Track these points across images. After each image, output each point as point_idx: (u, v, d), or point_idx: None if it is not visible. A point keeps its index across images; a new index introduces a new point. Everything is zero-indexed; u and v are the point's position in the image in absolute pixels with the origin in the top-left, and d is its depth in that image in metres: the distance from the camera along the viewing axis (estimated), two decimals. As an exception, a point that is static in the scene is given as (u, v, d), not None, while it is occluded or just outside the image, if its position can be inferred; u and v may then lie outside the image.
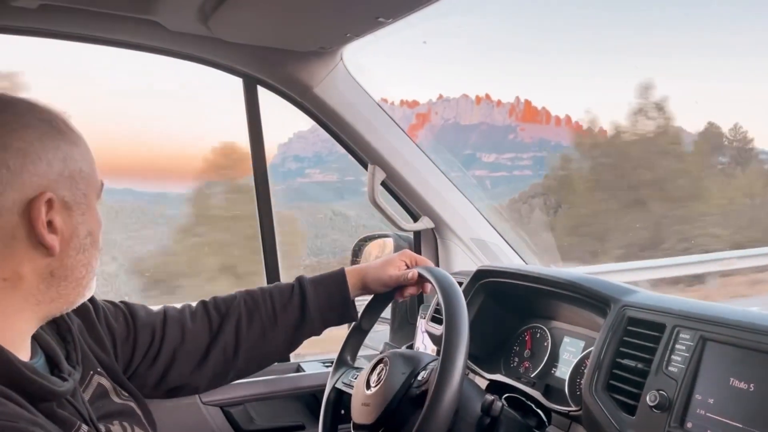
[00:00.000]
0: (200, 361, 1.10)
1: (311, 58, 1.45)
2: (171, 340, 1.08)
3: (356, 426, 1.09)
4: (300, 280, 1.20)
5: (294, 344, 1.21)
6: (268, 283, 1.60)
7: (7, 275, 0.73)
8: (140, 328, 1.06)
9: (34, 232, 0.73)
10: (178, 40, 1.36)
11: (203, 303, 1.15)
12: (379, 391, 1.09)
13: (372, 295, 1.27)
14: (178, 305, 1.15)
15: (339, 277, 1.21)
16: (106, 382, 0.92)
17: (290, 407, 1.53)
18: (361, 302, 1.27)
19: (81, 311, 0.96)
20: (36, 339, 0.81)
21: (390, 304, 1.65)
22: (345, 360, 1.24)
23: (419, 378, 1.08)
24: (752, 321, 0.90)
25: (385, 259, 1.24)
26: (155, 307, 1.11)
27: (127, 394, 0.94)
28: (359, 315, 1.25)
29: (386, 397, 1.07)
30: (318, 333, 1.21)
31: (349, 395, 1.19)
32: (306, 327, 1.18)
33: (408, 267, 1.22)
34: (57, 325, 0.87)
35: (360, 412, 1.09)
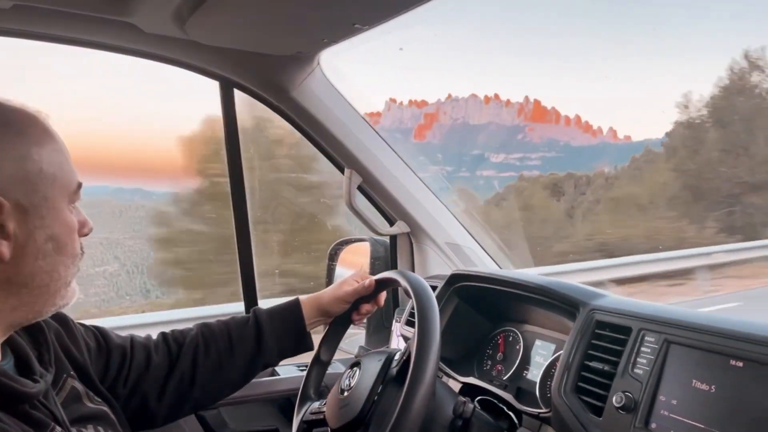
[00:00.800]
0: (160, 391, 1.10)
1: (288, 62, 1.45)
2: (137, 366, 1.08)
3: (338, 429, 1.09)
4: (255, 311, 1.23)
5: (250, 375, 1.22)
6: (243, 286, 1.60)
7: None
8: (113, 348, 1.06)
9: None
10: (155, 43, 1.35)
11: (163, 334, 1.17)
12: (357, 385, 1.10)
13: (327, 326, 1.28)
14: (142, 335, 1.15)
15: (294, 307, 1.24)
16: (79, 386, 0.91)
17: (265, 411, 1.53)
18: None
19: (59, 319, 0.96)
20: (6, 341, 0.80)
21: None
22: (308, 395, 1.23)
23: (395, 359, 1.10)
24: (714, 324, 0.92)
25: (337, 282, 1.27)
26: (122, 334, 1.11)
27: (99, 399, 0.94)
28: (317, 346, 1.26)
29: (366, 386, 1.08)
30: (275, 363, 1.23)
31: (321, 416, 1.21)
32: (262, 358, 1.19)
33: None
34: (30, 327, 0.85)
35: (339, 416, 1.09)
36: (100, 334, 1.05)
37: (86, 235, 0.85)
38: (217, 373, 1.15)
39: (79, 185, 0.82)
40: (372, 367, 1.12)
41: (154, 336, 1.16)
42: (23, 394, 0.73)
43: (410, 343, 1.05)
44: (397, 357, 1.12)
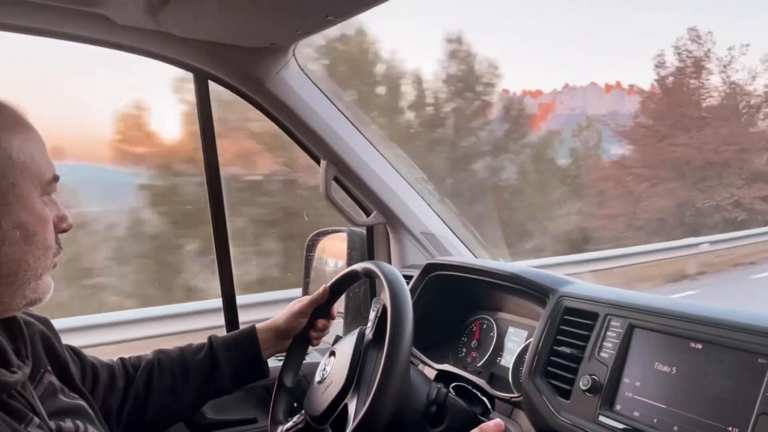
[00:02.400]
0: (118, 412, 1.12)
1: (263, 53, 1.45)
2: (103, 384, 1.10)
3: (322, 413, 1.11)
4: (211, 339, 1.24)
5: (203, 400, 1.24)
6: (222, 283, 1.61)
7: None
8: (86, 363, 1.08)
9: None
10: (127, 34, 1.34)
11: (121, 359, 1.19)
12: (335, 366, 1.13)
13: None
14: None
15: (250, 334, 1.26)
16: (56, 381, 0.92)
17: (242, 401, 1.54)
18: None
19: (44, 322, 0.97)
20: None
21: (343, 298, 1.69)
22: (278, 420, 1.25)
23: (368, 324, 1.15)
24: (674, 309, 0.96)
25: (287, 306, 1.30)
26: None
27: (75, 395, 0.95)
28: (280, 371, 1.28)
29: (344, 361, 1.11)
30: (230, 391, 1.24)
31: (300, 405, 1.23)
32: (215, 384, 1.21)
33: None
34: (7, 322, 0.85)
35: (323, 399, 1.11)
36: (72, 350, 1.06)
37: (65, 230, 0.85)
38: (171, 398, 1.17)
39: (55, 177, 0.82)
40: (347, 344, 1.15)
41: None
42: (2, 383, 0.73)
43: (380, 300, 1.09)
44: (370, 323, 1.15)
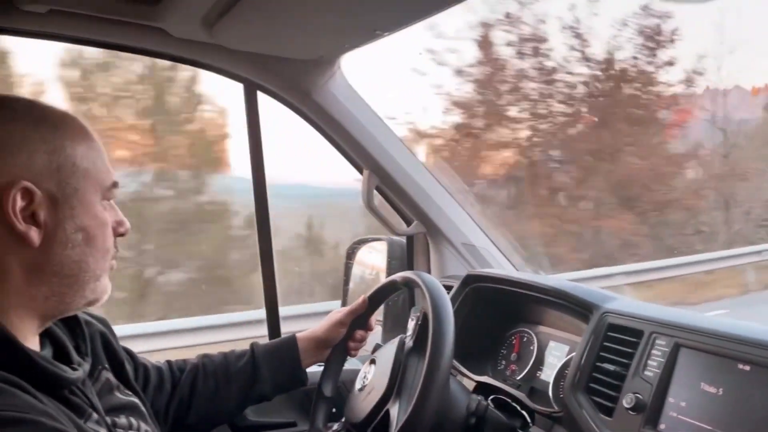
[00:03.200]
0: (165, 412, 1.16)
1: (310, 66, 1.49)
2: (153, 386, 1.15)
3: (363, 420, 1.13)
4: (253, 346, 1.28)
5: (244, 405, 1.28)
6: (265, 294, 1.65)
7: None
8: (138, 365, 1.14)
9: (7, 220, 0.74)
10: (182, 47, 1.39)
11: (168, 361, 1.23)
12: (376, 374, 1.15)
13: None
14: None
15: (290, 343, 1.29)
16: (112, 379, 0.96)
17: (283, 405, 1.56)
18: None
19: (104, 323, 1.02)
20: (45, 332, 0.84)
21: (382, 307, 1.71)
22: (318, 429, 1.27)
23: (408, 332, 1.18)
24: (722, 329, 0.95)
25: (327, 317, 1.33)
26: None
27: (130, 392, 0.99)
28: (319, 381, 1.30)
29: (386, 368, 1.13)
30: (269, 397, 1.28)
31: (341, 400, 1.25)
32: (256, 390, 1.25)
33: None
34: (68, 321, 0.90)
35: (364, 406, 1.14)
36: (126, 350, 1.11)
37: (122, 234, 0.88)
38: (213, 401, 1.21)
39: (114, 184, 0.86)
40: (387, 352, 1.17)
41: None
42: (64, 379, 0.77)
43: (419, 309, 1.10)
44: (410, 331, 1.17)
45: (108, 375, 0.95)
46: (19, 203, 0.74)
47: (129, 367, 1.05)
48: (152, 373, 1.16)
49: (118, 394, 0.94)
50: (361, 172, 1.70)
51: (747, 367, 0.89)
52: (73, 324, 0.91)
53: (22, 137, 0.76)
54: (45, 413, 0.68)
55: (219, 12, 1.20)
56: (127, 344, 1.11)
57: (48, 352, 0.83)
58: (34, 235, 0.76)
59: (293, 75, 1.51)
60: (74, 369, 0.82)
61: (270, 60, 1.46)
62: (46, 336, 0.85)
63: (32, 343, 0.80)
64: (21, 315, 0.77)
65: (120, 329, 1.10)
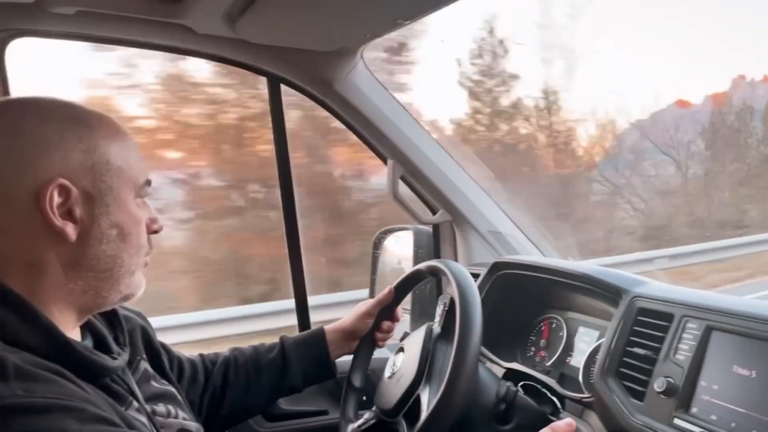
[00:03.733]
0: (199, 404, 1.19)
1: (332, 57, 1.50)
2: (187, 379, 1.18)
3: (394, 406, 1.14)
4: (282, 339, 1.30)
5: (275, 397, 1.31)
6: (294, 283, 1.67)
7: (34, 260, 0.77)
8: (173, 358, 1.16)
9: (45, 216, 0.76)
10: (206, 43, 1.41)
11: (200, 354, 1.25)
12: (405, 361, 1.16)
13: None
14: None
15: (318, 335, 1.31)
16: (149, 368, 0.99)
17: (314, 394, 1.59)
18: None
19: (141, 316, 1.06)
20: (85, 324, 0.87)
21: (410, 296, 1.71)
22: (348, 418, 1.28)
23: (436, 319, 1.18)
24: (754, 311, 0.93)
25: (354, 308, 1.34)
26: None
27: (166, 381, 1.02)
28: (348, 372, 1.32)
29: (414, 355, 1.15)
30: (300, 389, 1.30)
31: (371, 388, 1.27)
32: (287, 382, 1.27)
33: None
34: (107, 314, 0.92)
35: (394, 393, 1.15)
36: (162, 344, 1.13)
37: (156, 232, 0.90)
38: (245, 393, 1.23)
39: (148, 182, 0.88)
40: (415, 339, 1.18)
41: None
42: (105, 367, 0.79)
43: (447, 295, 1.11)
44: (437, 317, 1.18)
45: (145, 365, 0.98)
46: (56, 200, 0.76)
47: (165, 359, 1.08)
48: (186, 365, 1.19)
49: (155, 384, 0.97)
50: (385, 162, 1.70)
51: (781, 349, 0.87)
52: (111, 317, 0.94)
53: (59, 137, 0.78)
54: (88, 401, 0.70)
55: (241, 7, 1.22)
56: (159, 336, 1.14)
57: (88, 343, 0.86)
58: (71, 230, 0.78)
59: (316, 67, 1.52)
60: (114, 358, 0.84)
61: (292, 53, 1.47)
62: (86, 328, 0.88)
63: (73, 334, 0.82)
64: (61, 308, 0.80)
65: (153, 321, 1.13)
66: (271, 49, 1.46)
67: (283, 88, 1.57)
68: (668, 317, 1.05)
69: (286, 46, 1.45)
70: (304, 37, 1.41)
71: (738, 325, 0.94)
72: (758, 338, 0.91)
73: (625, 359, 1.08)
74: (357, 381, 1.32)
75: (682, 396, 0.97)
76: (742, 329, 0.93)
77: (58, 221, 0.76)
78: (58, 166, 0.77)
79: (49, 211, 0.76)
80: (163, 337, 1.14)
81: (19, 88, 1.32)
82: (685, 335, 1.01)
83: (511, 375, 1.38)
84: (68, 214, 0.78)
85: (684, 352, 1.00)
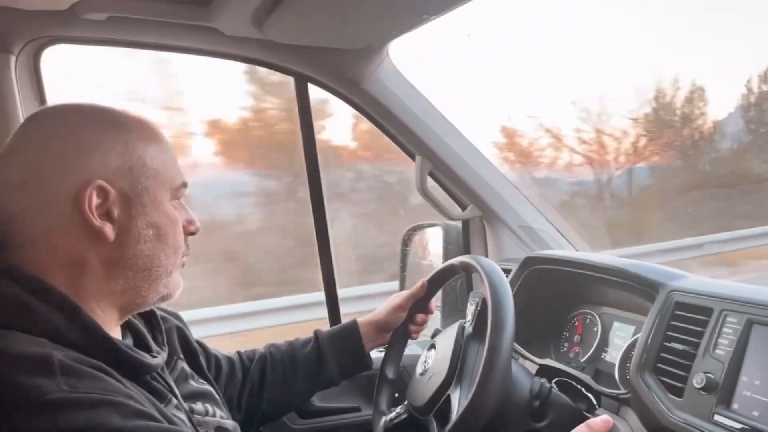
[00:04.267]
0: (238, 402, 1.21)
1: (359, 55, 1.50)
2: (225, 376, 1.20)
3: (425, 404, 1.14)
4: (317, 333, 1.31)
5: (312, 391, 1.32)
6: (325, 281, 1.68)
7: (76, 259, 0.79)
8: (210, 356, 1.18)
9: (85, 217, 0.78)
10: (234, 44, 1.43)
11: (237, 352, 1.27)
12: (436, 360, 1.16)
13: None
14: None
15: (352, 328, 1.32)
16: (187, 368, 1.01)
17: (346, 391, 1.60)
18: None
19: (179, 319, 1.08)
20: (125, 323, 0.89)
21: (440, 292, 1.71)
22: (381, 410, 1.28)
23: (468, 317, 1.18)
24: (799, 304, 0.90)
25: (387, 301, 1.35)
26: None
27: (203, 381, 1.03)
28: (381, 364, 1.32)
29: (446, 354, 1.14)
30: (336, 382, 1.31)
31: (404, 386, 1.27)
32: (323, 376, 1.28)
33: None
34: (145, 314, 0.95)
35: (426, 390, 1.15)
36: (200, 343, 1.16)
37: (193, 233, 0.92)
38: (283, 388, 1.25)
39: (184, 184, 0.90)
40: (447, 337, 1.18)
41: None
42: (146, 364, 0.82)
43: (478, 294, 1.10)
44: (469, 316, 1.17)
45: (183, 364, 1.00)
46: (95, 201, 0.78)
47: (202, 358, 1.10)
48: (224, 363, 1.21)
49: (192, 383, 0.99)
50: (413, 158, 1.70)
51: (827, 343, 0.85)
52: (150, 317, 0.96)
53: (97, 139, 0.81)
54: (130, 397, 0.72)
55: (268, 8, 1.22)
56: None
57: (129, 341, 0.88)
58: (109, 230, 0.80)
59: (342, 65, 1.52)
60: (153, 356, 0.86)
61: (319, 52, 1.47)
62: (126, 327, 0.90)
63: (115, 332, 0.85)
64: (103, 307, 0.82)
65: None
66: (298, 48, 1.47)
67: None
68: (707, 311, 1.02)
69: (312, 45, 1.45)
70: (331, 36, 1.41)
71: (780, 318, 0.91)
72: (802, 332, 0.88)
73: (663, 354, 1.06)
74: (390, 373, 1.32)
75: (723, 392, 0.94)
76: (784, 323, 0.91)
77: (97, 221, 0.79)
78: (97, 168, 0.79)
79: (87, 211, 0.78)
80: (199, 331, 1.17)
81: (56, 95, 1.36)
82: (724, 329, 0.98)
83: (544, 371, 1.36)
84: (107, 215, 0.80)
85: (724, 347, 0.97)
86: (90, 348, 0.75)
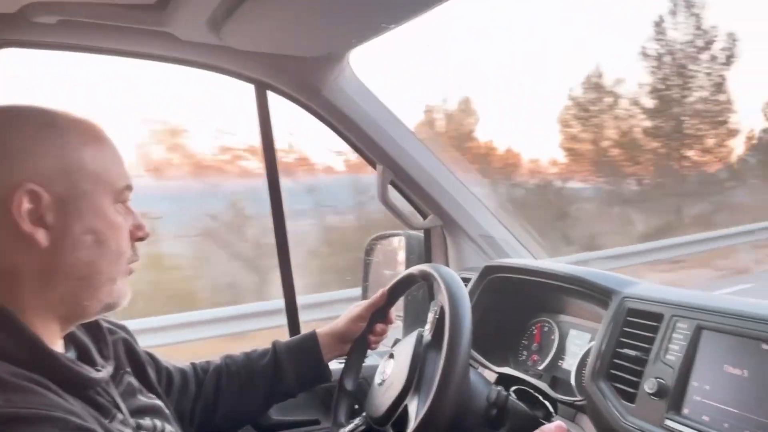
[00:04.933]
0: (190, 415, 1.17)
1: (319, 63, 1.49)
2: (177, 388, 1.16)
3: (382, 414, 1.13)
4: (275, 344, 1.28)
5: (269, 404, 1.29)
6: (283, 286, 1.66)
7: (8, 267, 0.76)
8: (161, 368, 1.14)
9: (14, 223, 0.75)
10: (191, 50, 1.40)
11: (192, 363, 1.24)
12: (395, 368, 1.15)
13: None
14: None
15: (311, 338, 1.29)
16: (135, 382, 0.97)
17: (305, 403, 1.57)
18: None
19: (124, 329, 1.04)
20: (68, 335, 0.85)
21: (402, 302, 1.70)
22: (340, 423, 1.26)
23: (427, 327, 1.17)
24: (744, 309, 0.92)
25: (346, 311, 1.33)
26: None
27: (153, 395, 1.00)
28: (340, 376, 1.30)
29: (404, 362, 1.13)
30: (294, 394, 1.28)
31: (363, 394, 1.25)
32: (281, 388, 1.25)
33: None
34: (90, 326, 0.91)
35: (384, 401, 1.13)
36: (149, 354, 1.12)
37: (141, 239, 0.88)
38: (238, 401, 1.22)
39: (128, 187, 0.86)
40: (406, 346, 1.17)
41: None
42: (89, 378, 0.78)
43: (438, 303, 1.10)
44: (428, 325, 1.16)
45: (130, 378, 0.96)
46: (26, 205, 0.75)
47: (151, 371, 1.07)
48: (176, 375, 1.17)
49: (141, 397, 0.96)
50: (374, 167, 1.69)
51: (771, 347, 0.87)
52: (95, 330, 0.92)
53: (31, 142, 0.77)
54: (72, 412, 0.69)
55: (224, 13, 1.21)
56: (143, 339, 1.12)
57: (72, 354, 0.84)
58: (41, 236, 0.76)
59: (303, 73, 1.51)
60: (98, 370, 0.83)
61: (279, 59, 1.46)
62: (69, 340, 0.86)
63: (56, 345, 0.81)
64: (42, 318, 0.79)
65: (135, 323, 1.11)
66: (257, 55, 1.45)
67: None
68: (658, 317, 1.04)
69: (272, 52, 1.44)
70: (291, 43, 1.40)
71: (728, 324, 0.93)
72: (749, 337, 0.90)
73: (616, 361, 1.07)
74: (349, 384, 1.30)
75: (674, 397, 0.96)
76: (732, 328, 0.92)
77: (27, 226, 0.75)
78: (29, 172, 0.76)
79: (17, 216, 0.75)
80: (145, 340, 1.13)
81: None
82: (675, 335, 1.00)
83: (503, 380, 1.37)
84: (39, 220, 0.76)
85: (674, 352, 0.99)
86: (29, 362, 0.72)
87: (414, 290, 1.76)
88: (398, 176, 1.69)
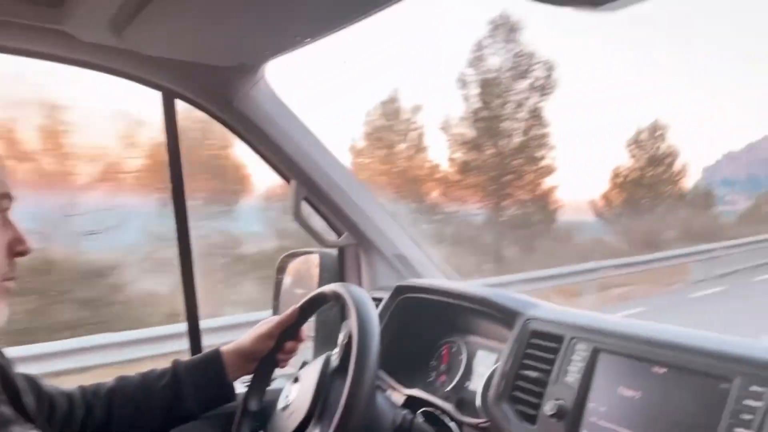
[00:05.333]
0: None
1: (231, 73, 1.44)
2: (61, 414, 1.07)
3: None
4: (174, 363, 1.21)
5: (169, 427, 1.20)
6: (186, 298, 1.57)
7: None
8: (43, 393, 1.05)
9: None
10: (92, 52, 1.32)
11: (81, 386, 1.15)
12: (299, 394, 1.10)
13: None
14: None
15: (214, 356, 1.23)
16: (8, 411, 0.88)
17: (207, 425, 1.48)
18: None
19: (2, 357, 0.94)
20: None
21: (313, 321, 1.66)
22: None
23: (335, 350, 1.14)
24: (638, 332, 0.95)
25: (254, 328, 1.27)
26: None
27: (30, 424, 0.91)
28: (244, 396, 1.25)
29: (309, 388, 1.09)
30: (195, 416, 1.21)
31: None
32: (181, 409, 1.18)
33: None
34: None
35: (287, 427, 1.08)
36: (28, 378, 1.03)
37: (21, 254, 0.81)
38: (133, 425, 1.14)
39: (6, 195, 0.79)
40: (312, 370, 1.13)
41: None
42: None
43: (348, 326, 1.07)
44: (337, 348, 1.13)
45: (4, 408, 0.87)
46: None
47: (29, 398, 0.97)
48: (59, 400, 1.08)
49: (15, 428, 0.87)
50: (288, 182, 1.65)
51: (662, 370, 0.89)
52: None
53: None
54: None
55: (127, 15, 1.14)
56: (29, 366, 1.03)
57: None
58: None
59: (213, 82, 1.46)
60: None
61: (187, 66, 1.40)
62: None
63: None
64: None
65: (21, 350, 1.02)
66: (164, 61, 1.38)
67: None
68: (558, 339, 1.06)
69: (179, 59, 1.38)
70: (200, 51, 1.35)
71: (623, 346, 0.95)
72: (641, 359, 0.92)
73: (518, 383, 1.08)
74: (253, 405, 1.24)
75: (572, 419, 0.97)
76: (626, 350, 0.95)
77: None
78: None
79: None
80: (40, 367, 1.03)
81: None
82: (574, 357, 1.01)
83: (411, 401, 1.35)
84: None
85: (573, 374, 1.00)
86: None
87: (326, 309, 1.72)
88: (312, 192, 1.65)
